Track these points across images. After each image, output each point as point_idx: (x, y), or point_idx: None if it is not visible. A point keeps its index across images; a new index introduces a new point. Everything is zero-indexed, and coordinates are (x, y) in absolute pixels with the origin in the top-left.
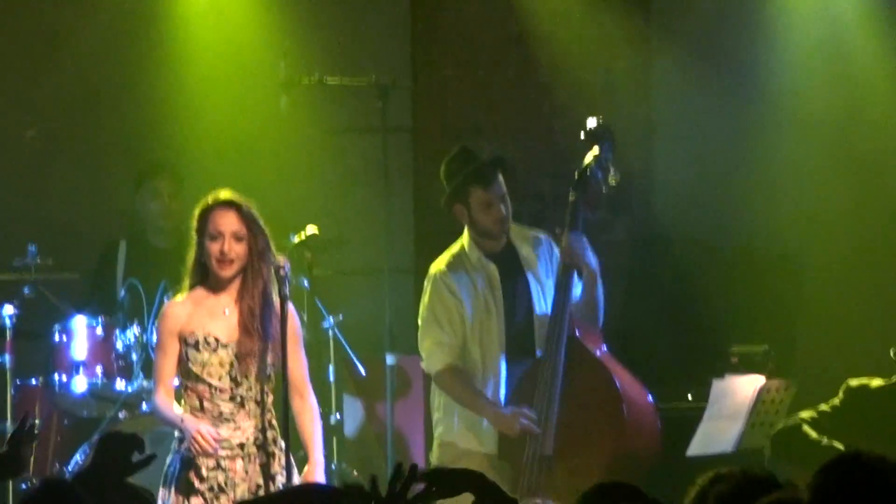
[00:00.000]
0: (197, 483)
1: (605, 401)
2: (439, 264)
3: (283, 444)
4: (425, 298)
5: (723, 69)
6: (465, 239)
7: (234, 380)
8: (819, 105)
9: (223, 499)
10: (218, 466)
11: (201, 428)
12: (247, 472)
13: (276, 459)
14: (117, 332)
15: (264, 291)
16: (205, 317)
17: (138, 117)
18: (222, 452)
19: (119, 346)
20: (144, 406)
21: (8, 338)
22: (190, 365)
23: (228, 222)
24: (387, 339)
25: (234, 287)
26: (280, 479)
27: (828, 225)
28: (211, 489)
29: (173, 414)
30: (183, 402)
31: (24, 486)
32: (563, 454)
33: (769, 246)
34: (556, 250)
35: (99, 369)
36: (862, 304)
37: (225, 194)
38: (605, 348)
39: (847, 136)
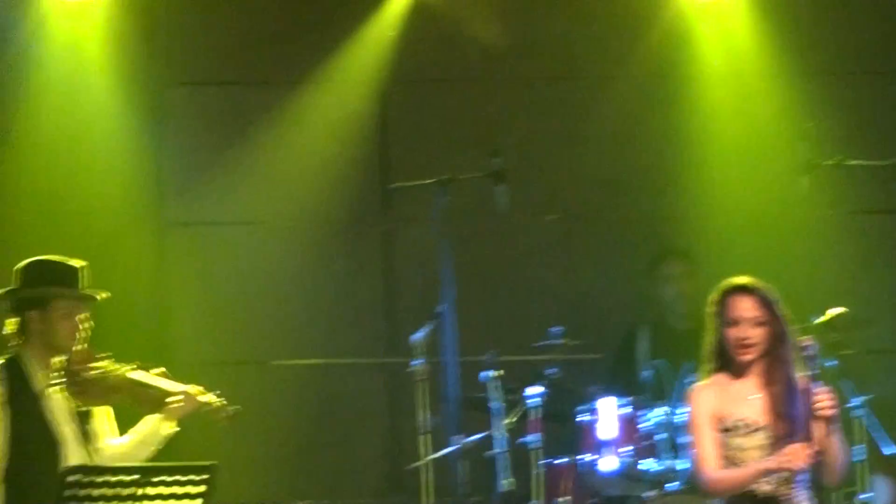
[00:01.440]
0: None
1: None
2: None
3: None
4: None
5: None
6: None
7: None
8: None
9: None
10: None
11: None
12: None
13: None
14: (643, 412)
15: (788, 374)
16: (732, 401)
17: (657, 199)
18: None
19: (645, 426)
20: (670, 485)
21: (535, 418)
22: (725, 450)
23: (747, 308)
24: None
25: (756, 371)
26: None
27: None
28: None
29: (741, 469)
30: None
31: None
32: None
33: None
34: None
35: (626, 449)
36: None
37: (742, 280)
38: None
39: None
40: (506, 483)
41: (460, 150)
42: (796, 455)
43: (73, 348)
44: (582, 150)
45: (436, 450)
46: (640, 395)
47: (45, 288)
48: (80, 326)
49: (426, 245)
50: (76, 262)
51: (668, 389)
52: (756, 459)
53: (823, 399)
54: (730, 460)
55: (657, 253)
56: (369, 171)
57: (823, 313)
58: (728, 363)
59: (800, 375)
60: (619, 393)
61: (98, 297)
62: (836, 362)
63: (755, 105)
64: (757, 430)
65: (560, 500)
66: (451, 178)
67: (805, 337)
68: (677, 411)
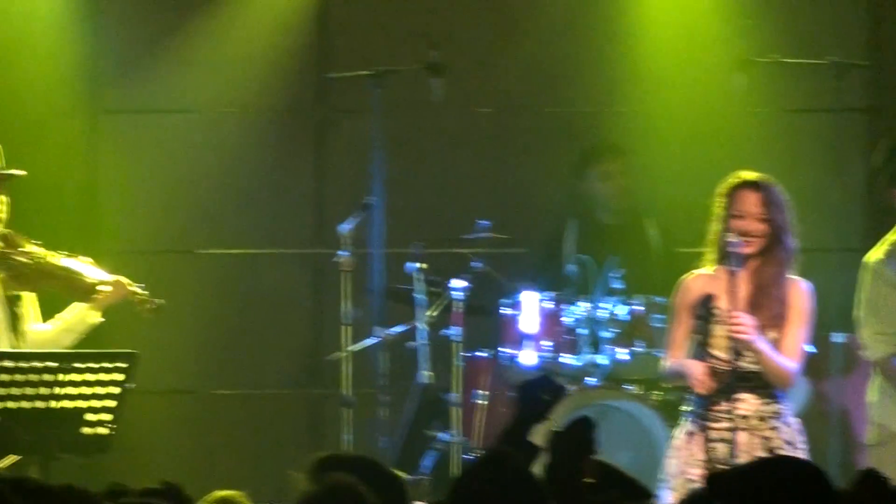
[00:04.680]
0: (698, 455)
1: None
2: (877, 254)
3: (790, 418)
4: (865, 289)
5: None
6: None
7: (736, 352)
8: None
9: None
10: (722, 440)
11: (698, 370)
12: (750, 445)
13: (780, 433)
14: (565, 307)
15: (778, 273)
16: (718, 290)
17: (592, 94)
18: (724, 424)
19: (567, 320)
20: (589, 380)
21: (458, 311)
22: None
23: (752, 203)
24: (835, 317)
25: (751, 266)
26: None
27: None
28: (714, 461)
29: (678, 364)
30: None
31: (467, 458)
32: None
33: None
34: None
35: (547, 343)
36: None
37: (752, 175)
38: None
39: None
40: (426, 375)
41: (398, 42)
42: (745, 324)
43: None
44: (518, 43)
45: (359, 341)
46: (565, 290)
47: None
48: None
49: (360, 136)
50: None
51: (591, 284)
52: (722, 348)
53: (739, 324)
54: (703, 346)
55: (593, 148)
56: (306, 60)
57: None
58: (727, 254)
59: (790, 277)
60: (544, 287)
61: (8, 175)
62: None
63: (693, 1)
64: (710, 323)
65: (479, 392)
66: (388, 70)
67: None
68: (600, 306)
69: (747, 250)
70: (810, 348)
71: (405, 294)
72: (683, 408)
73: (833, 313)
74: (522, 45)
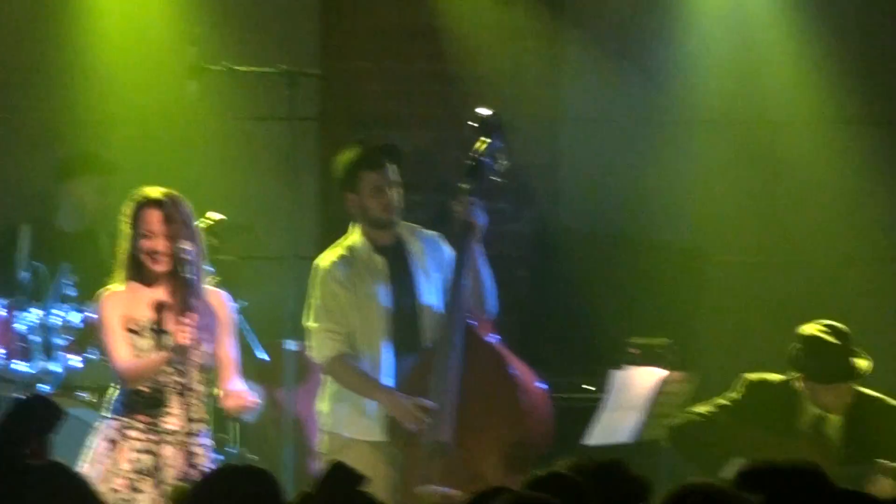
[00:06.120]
0: (123, 464)
1: (500, 388)
2: (329, 256)
3: (207, 438)
4: (315, 291)
5: (632, 64)
6: (355, 233)
7: (171, 367)
8: (725, 103)
9: (148, 482)
10: (147, 451)
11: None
12: (175, 459)
13: (206, 451)
14: (18, 313)
15: (192, 283)
16: (142, 306)
17: (48, 101)
18: (154, 437)
19: (20, 327)
20: (42, 387)
21: None
22: (133, 350)
23: (157, 221)
24: (288, 325)
25: (166, 279)
26: (207, 469)
27: (729, 221)
28: (138, 472)
29: (148, 357)
30: (117, 385)
31: None
32: (460, 441)
33: (671, 240)
34: (446, 248)
35: None
36: (760, 300)
37: (154, 192)
38: (496, 337)
39: (751, 136)
40: None
41: None
42: (181, 330)
43: None
44: None
45: None
46: (17, 296)
47: None
48: None
49: None
50: None
51: (45, 291)
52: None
53: (182, 330)
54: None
55: (78, 158)
56: None
57: (204, 218)
58: (141, 270)
59: (209, 288)
60: None
61: None
62: (212, 268)
63: (144, 7)
64: (162, 333)
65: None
66: None
67: (184, 242)
68: (53, 313)
69: (160, 269)
70: (263, 356)
71: None
72: (103, 414)
73: (287, 321)
74: None
